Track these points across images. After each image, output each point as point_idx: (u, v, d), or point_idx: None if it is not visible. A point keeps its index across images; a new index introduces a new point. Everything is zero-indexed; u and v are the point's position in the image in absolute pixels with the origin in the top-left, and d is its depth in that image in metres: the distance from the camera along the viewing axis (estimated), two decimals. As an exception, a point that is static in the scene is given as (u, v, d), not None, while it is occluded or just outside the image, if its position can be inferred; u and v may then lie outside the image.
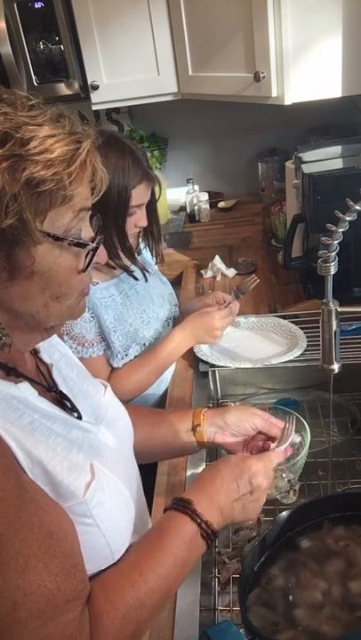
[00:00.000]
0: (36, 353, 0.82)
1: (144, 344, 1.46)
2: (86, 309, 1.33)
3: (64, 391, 0.80)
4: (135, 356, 1.44)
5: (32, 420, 0.67)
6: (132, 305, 1.46)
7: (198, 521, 0.74)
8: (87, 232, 0.69)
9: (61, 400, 0.78)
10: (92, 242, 0.69)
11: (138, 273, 1.47)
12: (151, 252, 1.57)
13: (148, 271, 1.52)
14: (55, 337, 0.87)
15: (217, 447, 1.04)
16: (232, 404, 1.44)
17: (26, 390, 0.69)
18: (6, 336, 0.67)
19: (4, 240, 0.61)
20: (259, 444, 0.98)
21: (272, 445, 0.93)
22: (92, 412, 0.84)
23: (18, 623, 0.56)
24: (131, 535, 0.77)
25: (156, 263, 1.62)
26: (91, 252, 0.69)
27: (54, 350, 0.85)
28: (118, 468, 0.79)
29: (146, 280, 1.52)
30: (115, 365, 1.41)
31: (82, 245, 0.67)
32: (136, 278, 1.46)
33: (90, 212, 0.70)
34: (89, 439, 0.76)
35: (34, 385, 0.72)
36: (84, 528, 0.67)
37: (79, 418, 0.78)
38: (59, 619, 0.59)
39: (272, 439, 0.96)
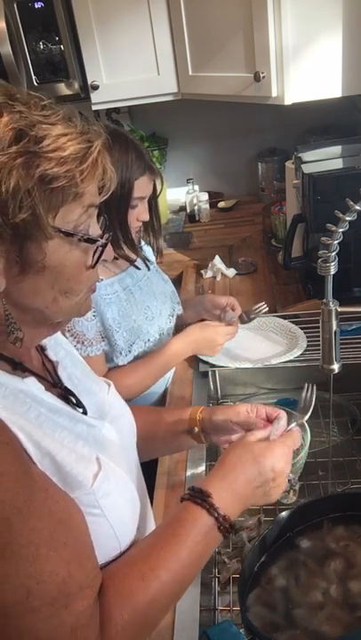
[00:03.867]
0: (42, 350, 0.83)
1: (148, 340, 1.46)
2: None
3: (69, 388, 0.81)
4: (137, 355, 1.44)
5: (39, 414, 0.68)
6: (136, 301, 1.46)
7: (216, 515, 0.73)
8: (95, 229, 0.70)
9: (66, 396, 0.78)
10: (101, 238, 0.70)
11: (140, 263, 1.48)
12: (152, 248, 1.57)
13: (149, 260, 1.55)
14: (60, 335, 0.89)
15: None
16: (231, 403, 1.44)
17: (32, 384, 0.69)
18: (18, 330, 0.68)
19: (17, 234, 0.62)
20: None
21: (271, 435, 0.90)
22: (97, 409, 0.84)
23: (31, 611, 0.56)
24: (136, 528, 0.77)
25: (156, 258, 1.62)
26: (100, 249, 0.70)
27: (60, 348, 0.86)
28: (122, 463, 0.80)
29: (148, 269, 1.53)
30: (119, 363, 1.41)
31: (91, 241, 0.68)
32: (138, 268, 1.48)
33: (97, 210, 0.71)
34: (93, 434, 0.77)
35: (40, 380, 0.72)
36: (92, 518, 0.67)
37: (84, 413, 0.79)
38: (71, 607, 0.59)
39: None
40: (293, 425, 0.93)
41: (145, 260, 1.52)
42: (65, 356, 0.86)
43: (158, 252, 1.59)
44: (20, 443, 0.62)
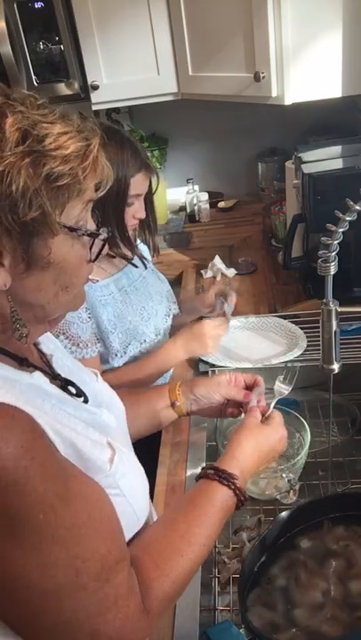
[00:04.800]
0: (36, 345, 0.84)
1: (144, 340, 1.46)
2: (84, 310, 1.34)
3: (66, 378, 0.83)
4: (133, 356, 1.44)
5: (52, 406, 0.70)
6: (132, 302, 1.46)
7: (242, 498, 0.83)
8: (91, 223, 0.72)
9: (66, 386, 0.80)
10: (99, 232, 0.72)
11: (137, 261, 1.48)
12: (148, 245, 1.56)
13: (146, 259, 1.54)
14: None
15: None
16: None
17: (39, 378, 0.72)
18: (23, 327, 0.69)
19: (25, 232, 0.63)
20: (234, 411, 1.08)
21: (251, 402, 1.02)
22: (92, 397, 0.86)
23: (81, 589, 0.61)
24: (148, 504, 0.83)
25: (153, 256, 1.61)
26: (101, 242, 0.72)
27: (49, 342, 0.88)
28: (125, 445, 0.83)
29: (145, 267, 1.52)
30: (114, 364, 1.41)
31: (94, 235, 0.70)
32: (136, 266, 1.47)
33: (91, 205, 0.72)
34: (97, 420, 0.79)
35: (43, 374, 0.75)
36: (112, 499, 0.71)
37: (85, 402, 0.81)
38: (112, 579, 0.64)
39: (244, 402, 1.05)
40: (274, 401, 1.01)
41: (142, 257, 1.51)
42: (55, 349, 0.88)
43: (155, 250, 1.58)
44: (47, 434, 0.64)
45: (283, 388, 1.02)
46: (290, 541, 0.95)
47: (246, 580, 0.89)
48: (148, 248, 1.58)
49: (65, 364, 0.87)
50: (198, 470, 1.18)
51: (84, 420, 0.75)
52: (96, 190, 0.71)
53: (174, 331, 1.60)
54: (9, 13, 1.98)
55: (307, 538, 0.96)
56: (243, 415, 1.06)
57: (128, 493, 0.74)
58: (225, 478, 0.83)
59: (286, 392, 1.02)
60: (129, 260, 1.44)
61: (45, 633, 0.62)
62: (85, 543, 0.62)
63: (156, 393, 1.11)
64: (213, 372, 1.50)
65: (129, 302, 1.45)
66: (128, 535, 0.74)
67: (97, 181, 0.70)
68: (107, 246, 0.79)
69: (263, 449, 0.91)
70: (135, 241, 1.49)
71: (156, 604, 0.70)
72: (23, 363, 0.72)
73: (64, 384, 0.80)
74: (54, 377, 0.79)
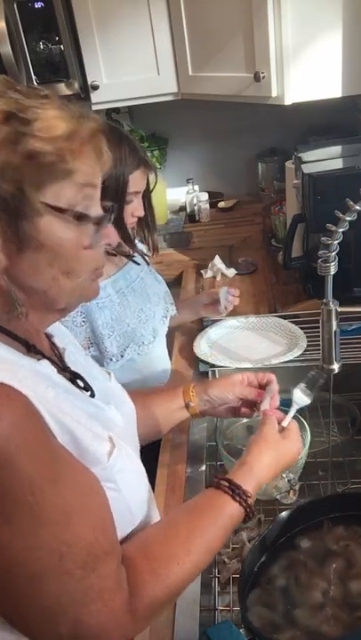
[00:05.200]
0: (49, 338, 0.85)
1: (142, 342, 1.45)
2: (79, 313, 1.34)
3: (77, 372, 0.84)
4: (130, 359, 1.42)
5: (56, 394, 0.70)
6: (130, 304, 1.45)
7: (251, 515, 0.81)
8: (96, 210, 0.71)
9: (75, 379, 0.81)
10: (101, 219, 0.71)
11: (139, 258, 1.47)
12: (147, 244, 1.55)
13: (147, 255, 1.53)
14: (62, 326, 0.91)
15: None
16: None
17: (47, 367, 0.72)
18: (21, 306, 0.69)
19: (8, 212, 0.64)
20: (247, 411, 1.09)
21: (262, 406, 1.01)
22: (102, 393, 0.86)
23: (65, 574, 0.61)
24: (148, 508, 0.82)
25: (152, 255, 1.60)
26: (93, 227, 0.70)
27: (63, 337, 0.89)
28: (128, 444, 0.83)
29: (148, 264, 1.52)
30: (109, 368, 1.40)
31: (82, 218, 0.68)
32: (137, 263, 1.46)
33: (98, 193, 0.72)
34: (102, 415, 0.79)
35: (52, 363, 0.75)
36: (107, 492, 0.71)
37: (92, 396, 0.81)
38: (99, 570, 0.64)
39: (257, 402, 1.05)
40: (292, 413, 0.99)
41: (143, 255, 1.50)
42: (69, 343, 0.88)
43: (154, 249, 1.56)
44: (44, 419, 0.65)
45: (303, 400, 0.98)
46: (290, 541, 0.95)
47: (246, 580, 0.89)
48: (148, 247, 1.56)
49: (77, 359, 0.87)
50: (198, 470, 1.20)
51: (89, 413, 0.75)
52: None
53: (171, 332, 1.60)
54: (9, 13, 1.98)
55: (307, 538, 0.96)
56: (256, 414, 1.07)
57: (124, 489, 0.74)
58: (238, 494, 0.80)
59: (305, 403, 0.98)
60: (130, 258, 1.43)
61: (30, 616, 0.62)
62: (73, 529, 0.62)
63: (170, 394, 1.11)
64: (213, 372, 1.50)
65: (127, 304, 1.44)
66: (120, 532, 0.73)
67: (93, 165, 0.69)
68: (116, 236, 0.78)
69: (280, 462, 0.90)
70: (134, 239, 1.49)
71: (144, 606, 0.68)
72: (31, 349, 0.73)
73: (72, 377, 0.81)
74: (63, 369, 0.80)
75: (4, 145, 0.62)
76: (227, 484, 0.82)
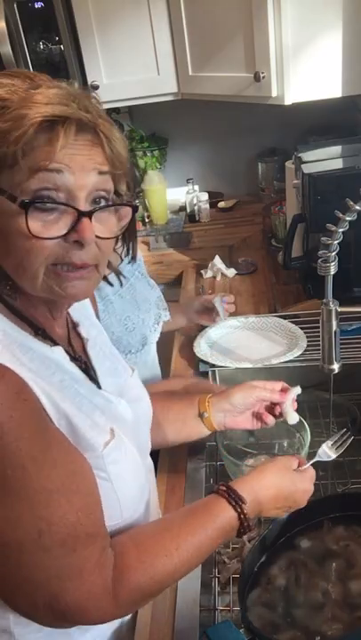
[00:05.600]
0: (74, 327, 0.86)
1: (130, 351, 1.42)
2: None
3: (95, 365, 0.84)
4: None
5: (62, 379, 0.71)
6: (115, 311, 1.40)
7: (245, 524, 0.80)
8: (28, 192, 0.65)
9: (87, 370, 0.81)
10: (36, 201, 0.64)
11: (113, 278, 1.38)
12: (128, 251, 1.37)
13: (123, 276, 1.41)
14: (95, 319, 0.93)
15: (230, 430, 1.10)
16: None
17: (59, 353, 0.74)
18: (10, 283, 0.70)
19: None
20: (268, 417, 1.07)
21: (286, 402, 1.05)
22: (117, 388, 0.87)
23: (43, 550, 0.62)
24: (141, 502, 0.83)
25: (129, 262, 1.46)
26: (47, 215, 0.65)
27: (92, 328, 0.89)
28: (133, 442, 0.83)
29: (121, 285, 1.42)
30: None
31: (12, 199, 0.64)
32: (110, 284, 1.37)
33: (63, 177, 0.65)
34: (110, 408, 0.80)
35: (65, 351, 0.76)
36: (98, 481, 0.72)
37: (98, 388, 0.82)
38: (79, 551, 0.65)
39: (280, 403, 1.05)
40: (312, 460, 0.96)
41: (118, 273, 1.38)
42: (97, 335, 0.89)
43: (133, 257, 1.39)
44: (41, 402, 0.66)
45: (327, 455, 0.97)
46: (290, 541, 0.95)
47: (246, 580, 0.89)
48: (127, 253, 1.37)
49: (101, 350, 0.87)
50: (198, 470, 1.20)
51: (94, 403, 0.76)
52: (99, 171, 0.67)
53: (162, 337, 1.58)
54: (9, 13, 1.98)
55: (307, 538, 0.96)
56: (281, 418, 1.06)
57: (116, 481, 0.74)
58: (233, 499, 0.80)
59: (329, 458, 0.97)
60: (104, 279, 1.34)
61: (9, 584, 0.64)
62: (54, 508, 0.63)
63: (188, 401, 1.09)
64: (213, 372, 1.50)
65: (112, 312, 1.40)
66: (106, 522, 0.73)
67: (47, 153, 0.63)
68: (92, 231, 0.68)
69: (283, 490, 0.86)
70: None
71: (128, 592, 0.69)
72: (39, 332, 0.73)
73: (84, 366, 0.81)
74: (75, 358, 0.80)
75: None
76: (224, 488, 0.82)
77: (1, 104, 0.64)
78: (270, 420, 1.07)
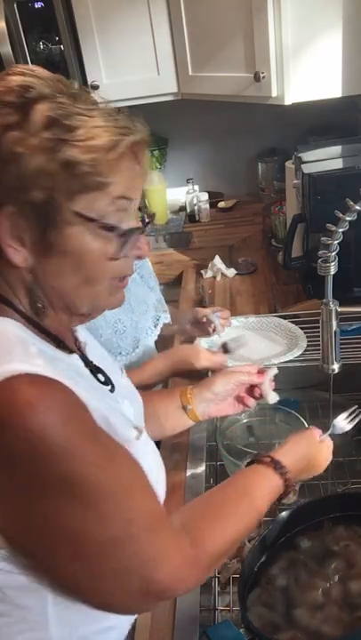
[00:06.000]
0: (72, 332, 0.87)
1: (120, 353, 1.41)
2: None
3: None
4: None
5: (86, 386, 0.72)
6: (105, 314, 1.39)
7: (287, 490, 0.88)
8: (130, 222, 0.71)
9: (96, 373, 0.83)
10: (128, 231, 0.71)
11: None
12: None
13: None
14: None
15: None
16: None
17: (76, 360, 0.76)
18: (42, 303, 0.71)
19: (38, 216, 0.65)
20: (250, 399, 1.11)
21: (265, 382, 1.09)
22: (119, 389, 0.88)
23: (133, 538, 0.65)
24: (162, 495, 0.86)
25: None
26: (121, 239, 0.70)
27: (82, 330, 0.90)
28: None
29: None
30: None
31: (111, 229, 0.69)
32: None
33: (135, 206, 0.72)
34: (120, 409, 0.82)
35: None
36: None
37: (112, 390, 0.84)
38: (161, 532, 0.69)
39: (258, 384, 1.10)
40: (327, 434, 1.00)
41: None
42: (87, 337, 0.90)
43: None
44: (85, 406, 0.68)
45: (341, 427, 1.03)
46: (290, 541, 0.95)
47: (246, 580, 0.89)
48: None
49: (96, 353, 0.89)
50: (198, 470, 1.20)
51: (111, 406, 0.78)
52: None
53: (163, 340, 1.57)
54: (9, 13, 1.98)
55: (307, 538, 0.96)
56: (262, 399, 1.10)
57: (148, 474, 0.77)
58: (279, 468, 0.87)
59: (342, 431, 1.03)
60: None
61: (101, 585, 0.66)
62: (133, 499, 0.67)
63: (168, 394, 1.12)
64: (213, 372, 1.50)
65: (102, 315, 1.39)
66: None
67: (132, 178, 0.69)
68: (147, 249, 0.78)
69: (311, 459, 0.95)
70: None
71: (206, 556, 0.74)
72: (61, 345, 0.74)
73: (94, 371, 0.82)
74: (87, 363, 0.81)
75: (42, 151, 0.63)
76: (269, 459, 0.88)
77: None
78: (252, 402, 1.11)
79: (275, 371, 1.11)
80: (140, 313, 1.49)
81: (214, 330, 1.50)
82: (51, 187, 0.63)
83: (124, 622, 0.82)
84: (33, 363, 0.62)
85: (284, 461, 0.88)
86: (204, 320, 1.50)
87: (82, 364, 0.78)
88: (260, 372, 1.11)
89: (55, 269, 0.69)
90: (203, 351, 1.36)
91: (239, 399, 1.11)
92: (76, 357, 0.76)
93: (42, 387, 0.61)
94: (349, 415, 1.03)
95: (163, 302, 1.60)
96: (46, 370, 0.62)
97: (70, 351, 0.76)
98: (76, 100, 0.66)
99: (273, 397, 1.11)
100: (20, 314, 0.70)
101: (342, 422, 1.03)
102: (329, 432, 1.00)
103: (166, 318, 1.58)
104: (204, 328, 1.53)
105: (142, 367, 1.35)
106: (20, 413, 0.57)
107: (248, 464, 0.91)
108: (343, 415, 1.03)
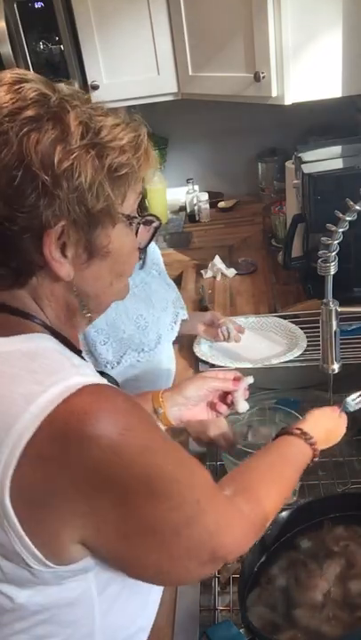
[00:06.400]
0: None
1: (142, 349, 1.41)
2: None
3: None
4: (130, 364, 1.39)
5: None
6: (127, 309, 1.40)
7: (315, 459, 0.92)
8: (135, 212, 0.74)
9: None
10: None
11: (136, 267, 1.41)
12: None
13: (144, 263, 1.49)
14: None
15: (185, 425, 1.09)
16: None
17: (93, 368, 0.75)
18: (89, 311, 0.73)
19: (91, 223, 0.65)
20: (222, 407, 1.08)
21: (238, 392, 1.06)
22: None
23: (201, 514, 0.66)
24: None
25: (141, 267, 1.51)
26: (153, 229, 0.76)
27: None
28: None
29: (143, 265, 1.47)
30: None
31: (149, 223, 0.74)
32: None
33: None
34: None
35: None
36: None
37: None
38: (222, 500, 0.73)
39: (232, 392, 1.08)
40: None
41: (142, 260, 1.45)
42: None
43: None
44: None
45: (352, 405, 1.06)
46: (290, 541, 0.96)
47: (246, 580, 0.89)
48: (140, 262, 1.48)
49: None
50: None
51: None
52: None
53: (180, 338, 1.57)
54: (9, 13, 1.98)
55: (307, 538, 0.96)
56: (233, 408, 1.07)
57: None
58: (308, 440, 0.90)
59: (352, 409, 1.06)
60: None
61: (180, 563, 0.68)
62: (196, 476, 0.69)
63: (141, 398, 1.06)
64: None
65: (123, 310, 1.39)
66: None
67: (148, 170, 0.71)
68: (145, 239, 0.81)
69: (330, 432, 0.99)
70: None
71: (262, 515, 0.77)
72: (79, 352, 0.75)
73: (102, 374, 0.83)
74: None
75: (89, 159, 0.63)
76: (298, 431, 0.91)
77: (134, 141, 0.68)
78: (223, 409, 1.08)
79: (250, 380, 1.08)
80: (160, 309, 1.48)
81: (227, 337, 1.51)
82: (105, 193, 0.64)
83: (150, 623, 0.82)
84: (84, 373, 0.62)
85: (312, 433, 0.92)
86: (220, 325, 1.52)
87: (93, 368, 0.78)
88: (236, 379, 1.07)
89: (94, 274, 0.70)
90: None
91: (211, 405, 1.08)
92: (91, 365, 0.76)
93: (103, 394, 0.61)
94: (359, 396, 1.07)
95: (180, 299, 1.60)
96: (96, 378, 0.63)
97: (82, 357, 0.76)
98: (79, 99, 0.67)
99: (243, 407, 1.07)
100: (45, 326, 0.69)
101: (352, 402, 1.05)
102: (341, 409, 1.04)
103: (184, 315, 1.57)
104: (215, 332, 1.54)
105: None
106: (97, 423, 0.57)
107: (276, 436, 0.94)
108: (353, 395, 1.06)
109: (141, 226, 0.74)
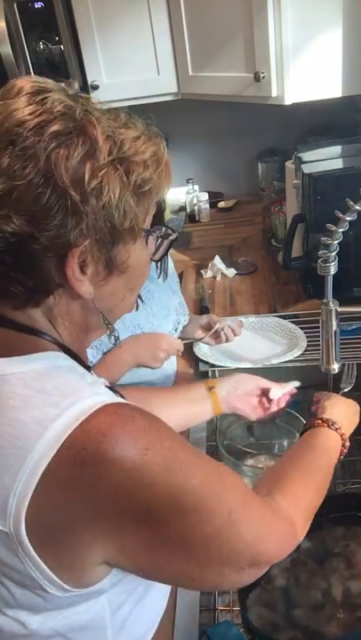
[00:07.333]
0: None
1: None
2: None
3: None
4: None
5: None
6: (124, 319, 1.33)
7: (344, 445, 0.94)
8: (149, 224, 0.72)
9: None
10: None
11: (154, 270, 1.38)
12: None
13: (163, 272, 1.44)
14: None
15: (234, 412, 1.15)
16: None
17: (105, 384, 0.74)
18: (113, 331, 0.73)
19: (115, 241, 0.64)
20: (269, 408, 1.15)
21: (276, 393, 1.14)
22: None
23: (234, 524, 0.65)
24: None
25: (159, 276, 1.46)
26: (169, 242, 0.74)
27: None
28: None
29: (165, 276, 1.44)
30: None
31: (167, 236, 0.72)
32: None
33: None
34: None
35: None
36: None
37: None
38: (257, 508, 0.71)
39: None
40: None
41: (164, 272, 1.42)
42: None
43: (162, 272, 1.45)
44: None
45: (345, 385, 1.13)
46: (290, 541, 0.95)
47: (246, 580, 0.88)
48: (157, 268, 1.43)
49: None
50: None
51: None
52: None
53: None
54: (9, 13, 1.98)
55: (307, 538, 0.96)
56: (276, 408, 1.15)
57: None
58: (335, 428, 0.93)
59: (348, 388, 1.12)
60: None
61: (213, 571, 0.66)
62: (223, 486, 0.66)
63: (186, 386, 1.16)
64: (213, 372, 1.50)
65: (121, 320, 1.36)
66: None
67: (166, 183, 0.69)
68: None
69: (350, 418, 1.01)
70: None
71: (302, 514, 0.77)
72: (89, 369, 0.73)
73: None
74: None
75: (118, 176, 0.61)
76: (320, 420, 0.95)
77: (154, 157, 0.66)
78: (272, 410, 1.15)
79: (297, 383, 1.18)
80: (161, 317, 1.45)
81: (225, 339, 1.51)
82: (131, 210, 0.62)
83: (156, 627, 0.82)
84: (99, 392, 0.61)
85: (334, 419, 0.95)
86: (216, 327, 1.51)
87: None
88: (286, 395, 1.16)
89: (110, 290, 0.68)
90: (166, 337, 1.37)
91: (261, 404, 1.15)
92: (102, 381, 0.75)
93: (121, 413, 0.59)
94: (346, 374, 1.15)
95: (184, 305, 1.57)
96: (110, 396, 0.62)
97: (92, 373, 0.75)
98: (97, 110, 0.65)
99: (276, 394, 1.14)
100: (58, 344, 0.67)
101: (344, 383, 1.13)
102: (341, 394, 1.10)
103: (186, 320, 1.55)
104: (214, 336, 1.53)
105: (104, 362, 1.33)
106: (117, 446, 0.55)
107: (301, 434, 0.97)
108: (343, 377, 1.14)
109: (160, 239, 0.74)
